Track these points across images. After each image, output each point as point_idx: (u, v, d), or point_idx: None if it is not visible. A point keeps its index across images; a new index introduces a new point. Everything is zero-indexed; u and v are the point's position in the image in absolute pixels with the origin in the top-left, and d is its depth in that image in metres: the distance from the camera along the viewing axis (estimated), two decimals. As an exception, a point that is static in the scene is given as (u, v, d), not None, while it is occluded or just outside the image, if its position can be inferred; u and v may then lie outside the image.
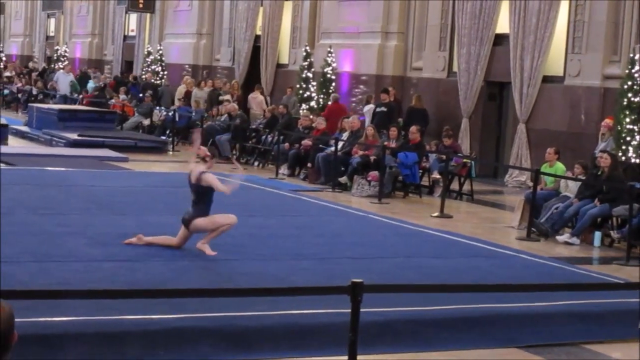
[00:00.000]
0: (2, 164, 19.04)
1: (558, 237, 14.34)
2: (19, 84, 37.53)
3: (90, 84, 34.33)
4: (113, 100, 30.12)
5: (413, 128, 19.35)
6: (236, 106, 24.99)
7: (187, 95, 28.63)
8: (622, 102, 17.53)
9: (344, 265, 10.65)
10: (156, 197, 15.46)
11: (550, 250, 13.53)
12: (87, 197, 14.94)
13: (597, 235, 14.22)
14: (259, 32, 29.90)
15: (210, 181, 10.71)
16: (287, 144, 21.14)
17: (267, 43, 29.20)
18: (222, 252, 10.65)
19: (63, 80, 34.55)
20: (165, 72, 33.11)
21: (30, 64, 43.58)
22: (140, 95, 30.18)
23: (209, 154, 11.08)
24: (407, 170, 18.37)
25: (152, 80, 31.98)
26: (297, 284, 9.27)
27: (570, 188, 15.21)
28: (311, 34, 27.80)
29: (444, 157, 17.82)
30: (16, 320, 3.24)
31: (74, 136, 23.67)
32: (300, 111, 24.71)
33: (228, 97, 26.76)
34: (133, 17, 38.90)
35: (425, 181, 19.22)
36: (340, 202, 16.75)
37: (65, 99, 32.66)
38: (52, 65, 41.88)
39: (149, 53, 34.67)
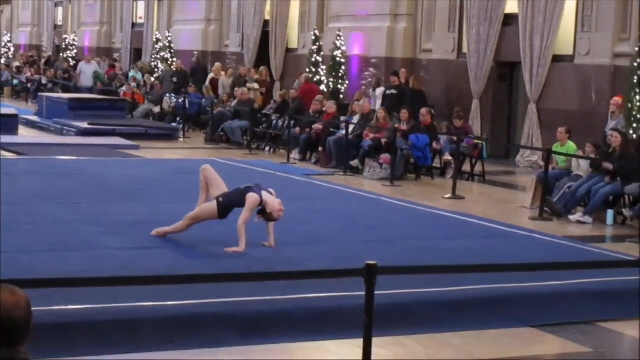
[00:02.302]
0: (13, 154, 19.10)
1: (571, 217, 14.32)
2: (28, 74, 37.55)
3: (132, 73, 32.75)
4: (124, 88, 30.12)
5: (424, 110, 19.32)
6: (246, 90, 24.94)
7: (213, 83, 28.22)
8: (632, 80, 17.47)
9: (357, 248, 10.66)
10: (168, 185, 15.47)
11: (563, 230, 13.52)
12: (99, 185, 14.97)
13: (610, 213, 14.20)
14: (267, 17, 29.84)
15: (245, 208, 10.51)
16: (298, 129, 21.13)
17: (276, 28, 29.16)
18: (235, 237, 10.66)
19: (86, 71, 33.79)
20: (175, 59, 33.08)
21: (32, 53, 43.45)
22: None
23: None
24: (419, 153, 18.35)
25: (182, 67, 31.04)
26: (311, 267, 9.29)
27: (582, 167, 15.18)
28: (320, 18, 27.74)
29: (455, 138, 17.80)
30: (33, 309, 3.25)
31: (84, 125, 23.69)
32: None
33: (255, 85, 26.48)
34: (141, 5, 38.87)
35: (437, 163, 19.20)
36: (353, 185, 16.75)
37: (91, 91, 31.66)
38: (61, 55, 41.88)
39: (158, 40, 34.65)
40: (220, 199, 10.46)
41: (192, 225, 10.69)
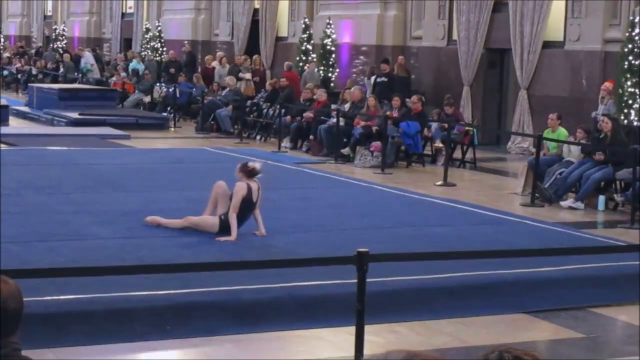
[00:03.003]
0: (3, 145, 19.05)
1: (562, 203, 14.34)
2: (18, 65, 37.44)
3: (134, 64, 31.55)
4: (114, 78, 30.03)
5: (414, 97, 19.32)
6: (235, 80, 24.90)
7: (208, 72, 27.97)
8: (622, 66, 17.49)
9: (349, 236, 10.67)
10: (159, 174, 15.46)
11: (555, 216, 13.54)
12: (90, 175, 14.95)
13: (601, 199, 14.23)
14: (257, 6, 29.80)
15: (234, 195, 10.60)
16: (288, 117, 21.11)
17: (265, 16, 29.10)
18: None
19: (94, 62, 33.20)
20: (164, 49, 32.99)
21: (21, 44, 43.21)
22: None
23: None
24: (410, 140, 18.35)
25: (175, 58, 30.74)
26: (303, 255, 9.29)
27: (573, 153, 15.20)
28: (310, 6, 27.70)
29: (446, 125, 17.79)
30: (24, 299, 3.24)
31: (75, 115, 23.63)
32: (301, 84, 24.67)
33: (248, 75, 26.40)
34: (131, -6, 38.76)
35: (428, 150, 19.21)
36: (344, 173, 16.75)
37: (100, 82, 30.79)
38: (51, 45, 41.76)
39: (148, 30, 34.57)
40: (222, 217, 10.53)
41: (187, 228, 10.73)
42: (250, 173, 10.57)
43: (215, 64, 28.50)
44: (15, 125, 23.48)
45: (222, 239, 10.25)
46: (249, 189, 10.44)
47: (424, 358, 2.59)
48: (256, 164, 10.77)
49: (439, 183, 15.98)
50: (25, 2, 50.32)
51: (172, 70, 28.95)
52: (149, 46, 33.90)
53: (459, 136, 18.66)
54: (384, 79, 22.34)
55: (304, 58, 25.90)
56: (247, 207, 10.47)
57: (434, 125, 18.96)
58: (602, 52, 19.39)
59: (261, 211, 10.65)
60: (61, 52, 38.89)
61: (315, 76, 24.87)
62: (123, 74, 30.15)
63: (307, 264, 8.32)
